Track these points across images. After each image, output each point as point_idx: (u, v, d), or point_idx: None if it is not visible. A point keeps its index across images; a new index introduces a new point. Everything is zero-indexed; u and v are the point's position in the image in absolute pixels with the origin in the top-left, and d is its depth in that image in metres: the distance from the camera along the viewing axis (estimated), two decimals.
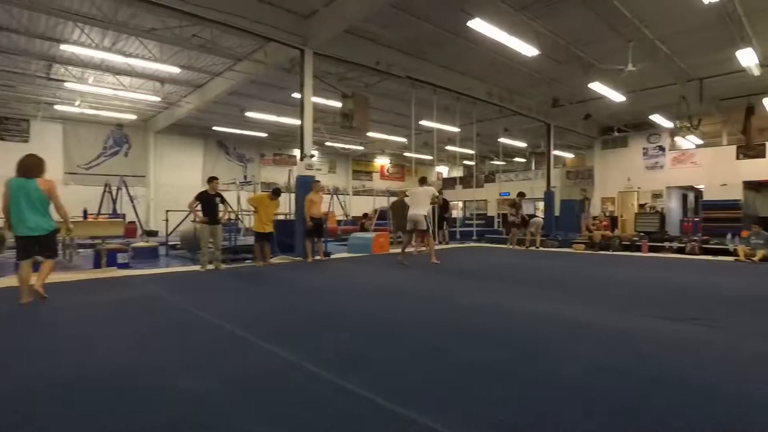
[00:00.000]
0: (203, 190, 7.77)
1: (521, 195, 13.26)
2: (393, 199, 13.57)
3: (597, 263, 8.62)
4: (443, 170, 30.85)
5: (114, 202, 15.37)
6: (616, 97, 13.18)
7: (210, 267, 7.67)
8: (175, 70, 11.90)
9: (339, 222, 21.10)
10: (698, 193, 19.54)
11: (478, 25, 8.29)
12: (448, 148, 24.05)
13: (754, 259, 8.49)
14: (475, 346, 3.13)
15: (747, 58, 10.13)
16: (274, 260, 8.98)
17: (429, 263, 8.15)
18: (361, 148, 23.29)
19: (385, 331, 3.54)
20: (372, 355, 2.93)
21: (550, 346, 3.11)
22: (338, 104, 12.36)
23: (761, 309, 4.44)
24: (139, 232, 15.74)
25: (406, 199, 11.83)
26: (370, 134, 19.55)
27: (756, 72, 11.21)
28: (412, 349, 3.06)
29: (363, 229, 14.89)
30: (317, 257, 9.16)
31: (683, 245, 10.25)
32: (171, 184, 18.76)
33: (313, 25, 9.31)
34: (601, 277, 6.87)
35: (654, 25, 9.79)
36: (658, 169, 18.31)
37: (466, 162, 29.48)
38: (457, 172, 31.79)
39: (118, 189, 15.46)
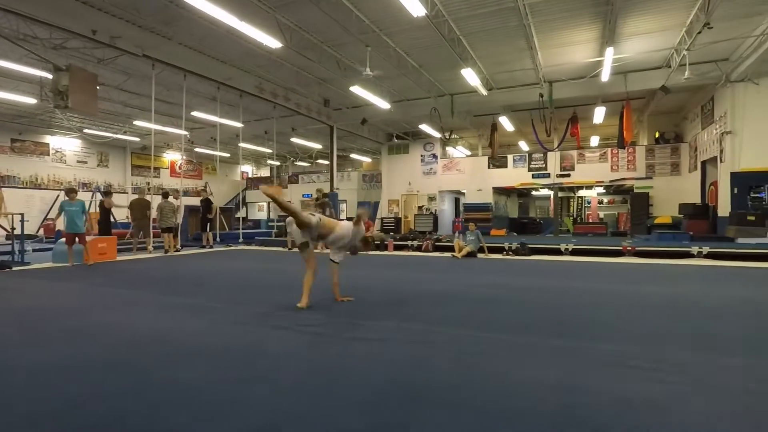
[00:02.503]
0: None
1: (325, 195, 13.18)
2: (135, 197, 11.62)
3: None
4: (248, 170, 29.27)
5: None
6: (381, 103, 13.80)
7: None
8: None
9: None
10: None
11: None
12: (246, 146, 22.76)
13: (456, 255, 9.49)
14: None
15: (471, 77, 11.50)
16: None
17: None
18: (135, 139, 20.14)
19: None
20: None
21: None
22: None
23: (400, 310, 4.49)
24: None
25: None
26: (138, 123, 16.93)
27: (483, 92, 12.92)
28: None
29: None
30: None
31: (421, 243, 11.07)
32: None
33: None
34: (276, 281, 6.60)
35: (393, 35, 10.28)
36: (432, 174, 20.24)
37: (271, 162, 28.47)
38: (265, 172, 30.65)
39: None
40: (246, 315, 4.07)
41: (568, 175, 17.68)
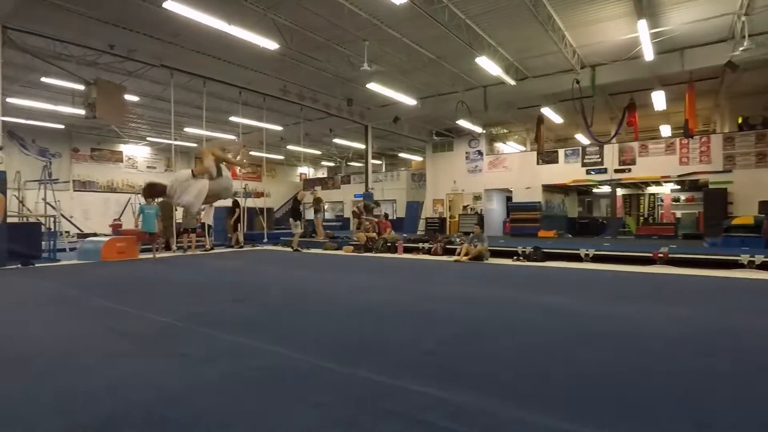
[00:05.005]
0: None
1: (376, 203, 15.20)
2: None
3: (299, 265, 8.35)
4: (306, 171, 30.14)
5: None
6: (406, 100, 13.31)
7: None
8: None
9: None
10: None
11: (174, 7, 7.55)
12: (294, 148, 23.44)
13: (459, 259, 8.76)
14: None
15: (489, 66, 10.56)
16: None
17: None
18: (194, 145, 21.61)
19: None
20: None
21: None
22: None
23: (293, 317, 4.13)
24: None
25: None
26: (187, 130, 18.14)
27: (510, 81, 11.86)
28: None
29: None
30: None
31: (432, 246, 10.41)
32: None
33: None
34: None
35: (396, 27, 9.73)
36: (477, 172, 19.16)
37: (324, 163, 29.09)
38: (322, 173, 31.42)
39: None
40: (122, 321, 3.98)
41: (629, 170, 15.66)
